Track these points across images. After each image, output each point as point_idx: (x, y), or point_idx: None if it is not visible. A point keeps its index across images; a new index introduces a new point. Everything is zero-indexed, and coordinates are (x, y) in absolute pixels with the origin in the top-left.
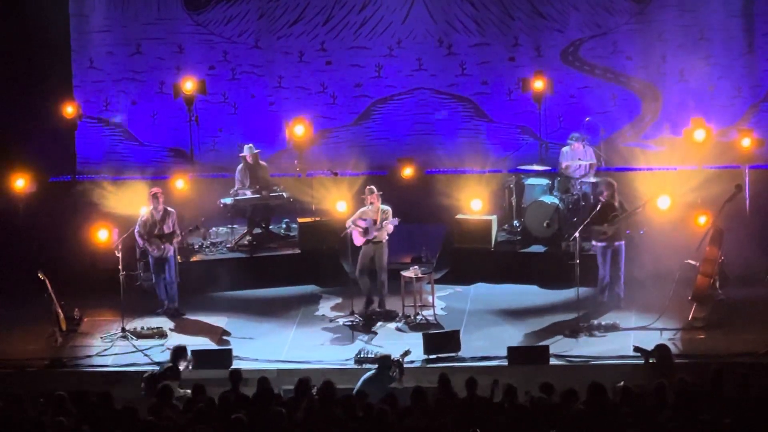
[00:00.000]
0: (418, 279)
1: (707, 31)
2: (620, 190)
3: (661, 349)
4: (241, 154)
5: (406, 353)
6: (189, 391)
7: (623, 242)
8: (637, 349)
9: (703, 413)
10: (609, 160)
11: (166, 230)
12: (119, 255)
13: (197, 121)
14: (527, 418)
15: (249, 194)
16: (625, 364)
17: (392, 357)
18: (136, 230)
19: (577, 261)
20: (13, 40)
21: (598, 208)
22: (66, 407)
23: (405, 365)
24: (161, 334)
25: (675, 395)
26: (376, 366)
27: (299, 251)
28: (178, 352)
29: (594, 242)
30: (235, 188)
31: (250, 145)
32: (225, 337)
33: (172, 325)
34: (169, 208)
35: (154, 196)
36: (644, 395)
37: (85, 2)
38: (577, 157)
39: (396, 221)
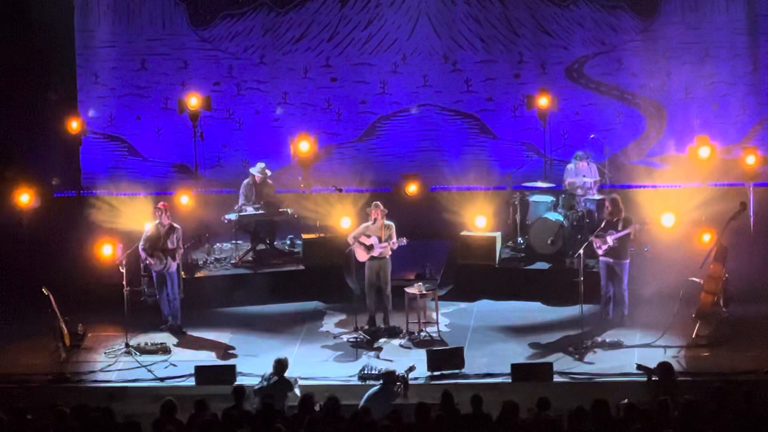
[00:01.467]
0: (422, 295)
1: (712, 48)
2: (625, 207)
3: (663, 366)
4: (252, 172)
5: (411, 369)
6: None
7: (627, 261)
8: (639, 367)
9: (707, 430)
10: (613, 177)
11: (170, 245)
12: (123, 270)
13: (202, 136)
14: None
15: (253, 210)
16: (629, 381)
17: (397, 373)
18: (140, 245)
19: (581, 278)
20: (19, 55)
21: (602, 225)
22: (68, 422)
23: (409, 381)
24: (165, 350)
25: (679, 412)
26: (381, 382)
27: (303, 267)
28: (281, 364)
29: (600, 257)
30: (240, 204)
31: (263, 167)
32: (229, 353)
33: (175, 340)
34: (174, 225)
35: (159, 210)
36: (649, 412)
37: (90, 18)
38: (582, 174)
39: (404, 241)
